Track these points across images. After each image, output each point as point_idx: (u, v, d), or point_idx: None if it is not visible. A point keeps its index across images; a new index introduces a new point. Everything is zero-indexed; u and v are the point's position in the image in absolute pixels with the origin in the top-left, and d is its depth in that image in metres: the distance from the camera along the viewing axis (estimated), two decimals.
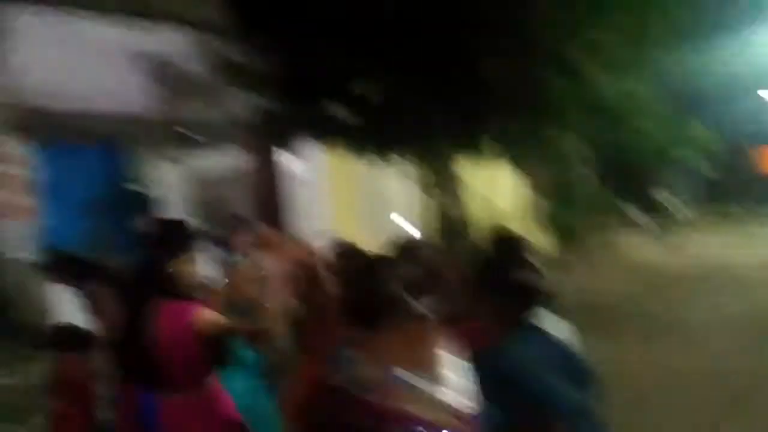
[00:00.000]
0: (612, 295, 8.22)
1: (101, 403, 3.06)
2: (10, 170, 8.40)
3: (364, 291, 1.74)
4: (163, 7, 8.66)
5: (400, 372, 1.54)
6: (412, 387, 1.52)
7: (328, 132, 7.64)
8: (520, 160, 13.51)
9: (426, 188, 8.09)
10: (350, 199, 11.31)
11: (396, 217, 8.39)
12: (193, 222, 8.44)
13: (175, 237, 2.48)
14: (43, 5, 7.86)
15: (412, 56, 6.45)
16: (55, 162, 8.73)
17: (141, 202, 9.51)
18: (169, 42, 8.77)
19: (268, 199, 11.46)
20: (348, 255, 3.53)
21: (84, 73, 7.95)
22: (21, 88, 7.79)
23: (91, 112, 8.11)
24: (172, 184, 9.75)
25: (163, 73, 8.93)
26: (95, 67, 8.08)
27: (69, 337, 3.29)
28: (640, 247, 13.59)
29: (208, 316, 2.29)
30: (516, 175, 15.22)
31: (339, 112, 7.59)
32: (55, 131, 8.57)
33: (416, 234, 8.63)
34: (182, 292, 2.35)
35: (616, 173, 18.68)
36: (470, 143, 7.57)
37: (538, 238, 11.40)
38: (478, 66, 6.15)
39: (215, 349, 2.27)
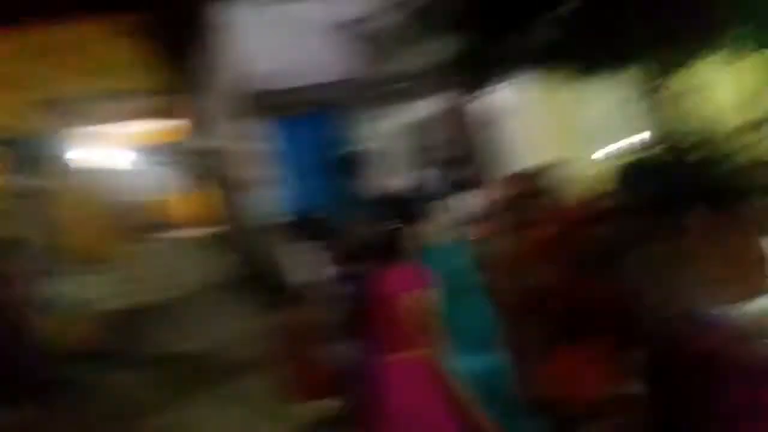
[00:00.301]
0: None
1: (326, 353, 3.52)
2: (252, 147, 9.55)
3: None
4: None
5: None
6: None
7: (532, 61, 7.26)
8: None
9: (651, 103, 7.31)
10: (563, 130, 10.75)
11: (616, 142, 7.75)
12: (429, 183, 8.85)
13: (409, 204, 2.55)
14: None
15: None
16: (286, 134, 9.72)
17: (363, 163, 10.14)
18: (366, 3, 9.05)
19: (480, 139, 11.40)
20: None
21: (297, 50, 8.61)
22: (249, 74, 8.73)
23: (310, 84, 8.79)
24: (389, 139, 10.22)
25: (366, 35, 9.26)
26: (305, 42, 8.69)
27: (301, 293, 3.74)
28: None
29: (428, 290, 2.30)
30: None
31: (541, 35, 7.16)
32: (282, 107, 9.50)
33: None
34: (411, 256, 2.41)
35: None
36: (707, 43, 6.60)
37: None
38: None
39: (432, 319, 2.31)
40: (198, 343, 6.98)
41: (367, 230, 2.58)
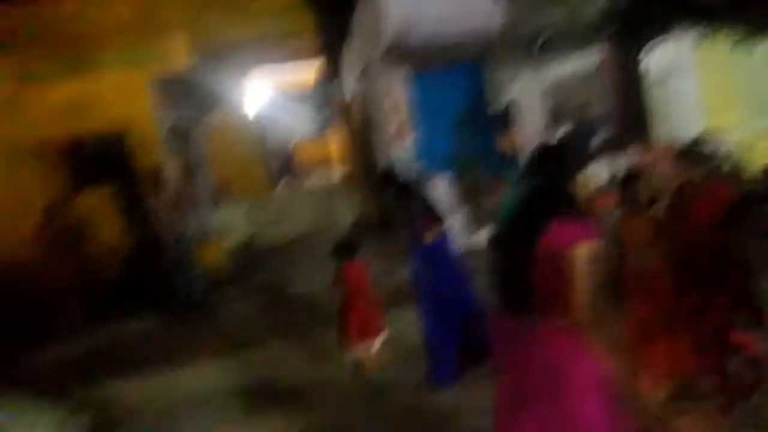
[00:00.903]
0: None
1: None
2: (395, 98, 9.63)
3: None
4: None
5: None
6: None
7: (695, 18, 6.56)
8: None
9: None
10: (728, 90, 9.71)
11: None
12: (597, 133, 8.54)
13: (569, 158, 2.39)
14: None
15: None
16: (428, 86, 9.69)
17: (505, 119, 9.89)
18: None
19: (632, 100, 10.63)
20: None
21: (444, 4, 8.50)
22: (393, 25, 8.72)
23: (454, 36, 8.64)
24: (535, 94, 9.86)
25: None
26: None
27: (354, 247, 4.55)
28: None
29: (590, 246, 2.09)
30: None
31: None
32: (425, 58, 9.44)
33: None
34: (576, 212, 2.23)
35: None
36: None
37: None
38: None
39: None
40: (313, 285, 7.40)
41: (532, 188, 2.39)
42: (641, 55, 9.93)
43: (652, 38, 7.35)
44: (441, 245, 4.48)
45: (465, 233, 8.20)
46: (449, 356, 4.35)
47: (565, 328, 2.08)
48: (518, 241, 2.19)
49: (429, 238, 4.37)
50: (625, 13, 6.82)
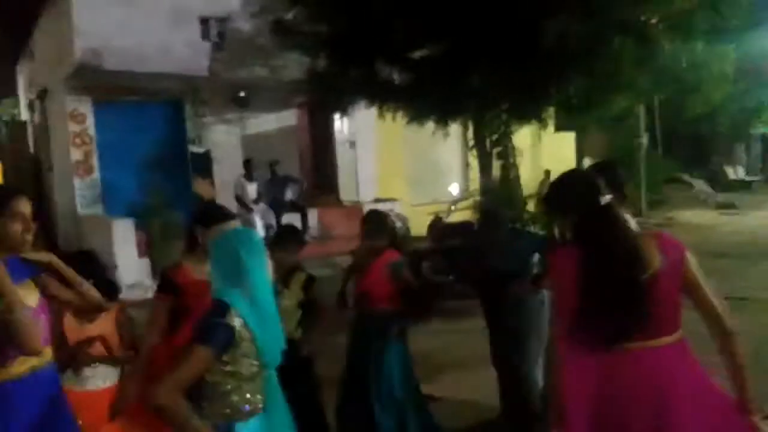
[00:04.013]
0: None
1: None
2: (78, 129, 8.62)
3: None
4: None
5: None
6: None
7: (381, 96, 7.51)
8: (582, 128, 13.15)
9: (481, 156, 7.90)
10: (399, 163, 11.24)
11: (453, 187, 8.26)
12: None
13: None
14: None
15: (472, 20, 6.24)
16: (115, 120, 8.88)
17: (204, 162, 9.61)
18: (228, 3, 8.79)
19: (320, 160, 11.49)
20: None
21: (146, 34, 8.04)
22: (83, 48, 7.94)
23: (152, 71, 8.21)
24: (235, 142, 9.83)
25: (222, 35, 8.97)
26: (157, 28, 8.16)
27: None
28: (703, 218, 13.07)
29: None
30: (577, 144, 14.87)
31: (394, 75, 7.46)
32: (114, 90, 8.71)
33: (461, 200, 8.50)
34: None
35: (680, 144, 17.99)
36: (530, 111, 7.34)
37: None
38: (541, 28, 5.87)
39: None
40: None
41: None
42: (333, 121, 10.86)
43: (343, 106, 8.10)
44: None
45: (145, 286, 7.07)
46: None
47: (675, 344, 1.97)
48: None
49: None
50: (319, 79, 7.39)
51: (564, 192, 2.06)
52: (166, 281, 2.62)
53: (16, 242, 1.92)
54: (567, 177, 2.13)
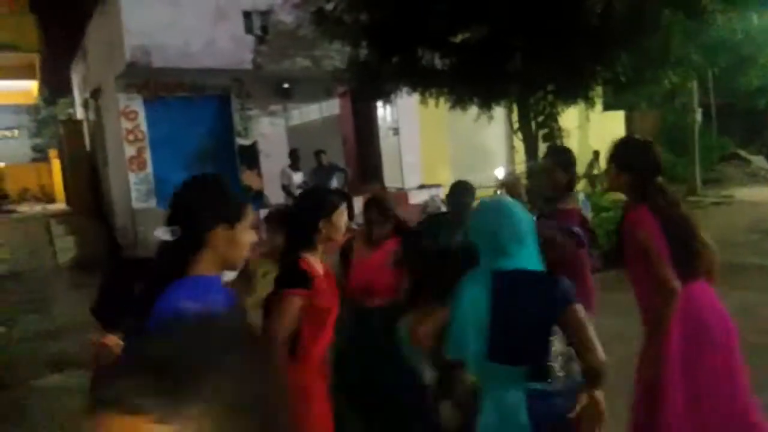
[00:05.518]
0: (731, 245, 7.61)
1: None
2: (130, 126, 8.95)
3: None
4: None
5: None
6: None
7: (423, 82, 7.51)
8: (632, 107, 12.79)
9: (527, 139, 7.81)
10: (442, 149, 11.18)
11: (498, 170, 8.17)
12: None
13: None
14: None
15: (513, 0, 6.16)
16: (165, 116, 9.18)
17: (251, 154, 9.83)
18: None
19: (364, 148, 11.58)
20: None
21: (191, 31, 8.23)
22: (132, 47, 8.20)
23: (198, 67, 8.42)
24: (280, 133, 10.00)
25: (265, 28, 9.08)
26: (202, 24, 8.34)
27: None
28: (762, 195, 12.58)
29: None
30: (627, 123, 14.46)
31: (435, 61, 7.43)
32: (163, 86, 9.00)
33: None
34: None
35: (736, 120, 17.35)
36: (576, 91, 7.21)
37: None
38: (585, 4, 5.75)
39: None
40: None
41: None
42: (376, 109, 10.92)
43: (386, 94, 8.12)
44: None
45: None
46: None
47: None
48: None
49: None
50: (361, 68, 7.44)
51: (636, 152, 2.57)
52: (299, 274, 2.18)
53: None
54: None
